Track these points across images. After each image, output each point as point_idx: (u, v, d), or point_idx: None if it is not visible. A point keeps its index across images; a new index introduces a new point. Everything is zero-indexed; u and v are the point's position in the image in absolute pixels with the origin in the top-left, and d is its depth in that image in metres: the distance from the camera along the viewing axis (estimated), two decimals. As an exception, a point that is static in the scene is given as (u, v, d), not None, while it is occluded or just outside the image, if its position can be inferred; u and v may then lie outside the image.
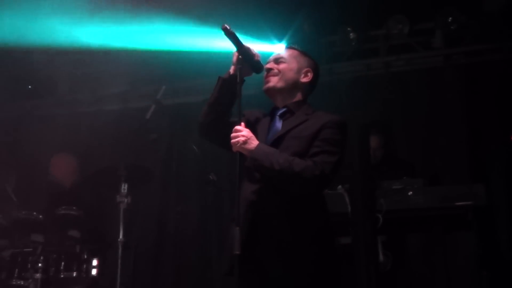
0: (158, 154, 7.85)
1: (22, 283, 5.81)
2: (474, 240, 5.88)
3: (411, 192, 5.71)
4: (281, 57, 3.86)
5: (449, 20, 7.09)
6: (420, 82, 7.37)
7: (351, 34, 7.43)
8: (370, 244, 5.90)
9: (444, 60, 7.38)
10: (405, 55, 7.54)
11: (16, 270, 5.86)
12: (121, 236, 5.69)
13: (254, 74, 3.79)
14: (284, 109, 3.80)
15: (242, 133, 3.53)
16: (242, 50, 3.67)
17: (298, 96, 3.83)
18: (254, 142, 3.53)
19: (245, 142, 3.52)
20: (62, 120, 8.70)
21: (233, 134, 3.55)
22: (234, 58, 3.71)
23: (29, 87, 8.64)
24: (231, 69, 3.73)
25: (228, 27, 3.58)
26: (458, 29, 7.10)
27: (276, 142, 3.63)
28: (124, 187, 5.83)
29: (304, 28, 7.37)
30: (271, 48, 7.30)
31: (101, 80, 8.47)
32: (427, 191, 5.77)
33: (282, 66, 3.82)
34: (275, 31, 7.27)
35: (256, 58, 3.72)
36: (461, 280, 6.31)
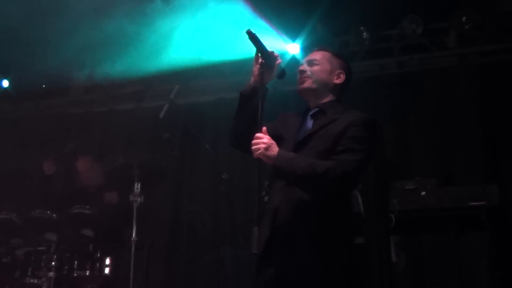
0: (171, 154, 7.85)
1: (35, 281, 5.84)
2: (488, 241, 5.85)
3: (424, 192, 5.69)
4: (314, 59, 3.89)
5: (464, 20, 7.04)
6: (434, 82, 7.34)
7: (364, 34, 7.40)
8: (383, 245, 5.90)
9: (458, 60, 7.35)
10: (419, 55, 7.51)
11: (30, 268, 5.90)
12: (134, 235, 5.70)
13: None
14: (316, 109, 3.85)
15: (262, 140, 3.56)
16: (266, 55, 3.69)
17: (331, 97, 3.87)
18: (275, 149, 3.56)
19: (266, 149, 3.54)
20: (76, 119, 8.74)
21: (254, 141, 3.56)
22: (256, 64, 3.74)
23: (43, 86, 8.67)
24: (251, 81, 3.78)
25: (252, 32, 3.61)
26: (472, 29, 7.06)
27: (305, 141, 3.68)
28: (137, 186, 5.84)
29: (317, 28, 7.36)
30: (285, 47, 7.35)
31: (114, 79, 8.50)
32: (440, 191, 5.76)
33: (315, 68, 3.86)
34: (289, 31, 7.29)
35: (279, 63, 3.74)
36: (475, 281, 6.30)
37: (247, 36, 3.63)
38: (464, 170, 6.80)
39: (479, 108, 7.03)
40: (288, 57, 4.25)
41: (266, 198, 5.94)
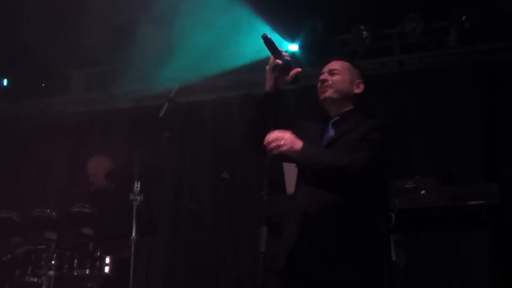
0: (171, 152, 7.86)
1: (35, 280, 5.83)
2: (488, 239, 5.84)
3: (423, 191, 5.69)
4: (335, 69, 3.94)
5: (464, 19, 7.05)
6: (434, 81, 7.34)
7: (364, 32, 7.40)
8: (383, 243, 5.89)
9: (458, 59, 7.35)
10: (419, 53, 7.52)
11: (30, 267, 5.89)
12: (133, 234, 5.70)
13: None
14: (337, 118, 3.90)
15: (285, 137, 3.61)
16: (281, 60, 3.73)
17: (350, 106, 3.93)
18: (299, 143, 3.61)
19: (292, 143, 3.60)
20: (76, 118, 8.73)
21: (274, 138, 3.60)
22: (269, 69, 3.77)
23: (43, 84, 8.66)
24: (267, 87, 3.80)
25: (268, 36, 3.64)
26: (472, 27, 7.06)
27: (329, 146, 3.74)
28: (137, 185, 5.83)
29: (317, 27, 7.36)
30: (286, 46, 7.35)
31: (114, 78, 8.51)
32: (440, 190, 5.75)
33: (336, 78, 3.91)
34: (288, 30, 7.31)
35: (298, 71, 3.77)
36: (475, 279, 6.29)
37: (262, 41, 3.67)
38: (464, 169, 6.81)
39: (480, 107, 7.04)
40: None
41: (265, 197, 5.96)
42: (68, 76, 8.88)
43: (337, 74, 3.90)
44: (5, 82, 8.68)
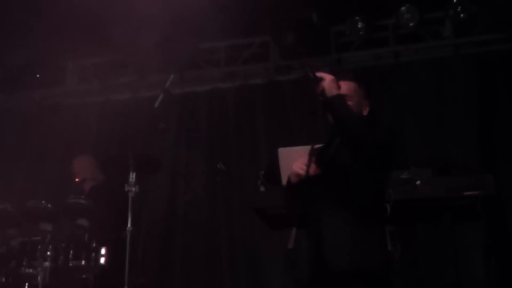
0: (167, 144, 7.85)
1: (31, 271, 5.83)
2: (483, 230, 5.86)
3: (419, 182, 5.69)
4: (345, 95, 3.85)
5: (459, 10, 7.04)
6: (430, 72, 7.34)
7: (359, 23, 7.39)
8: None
9: (454, 50, 7.35)
10: (415, 44, 7.52)
11: (25, 258, 5.89)
12: (129, 225, 5.69)
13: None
14: None
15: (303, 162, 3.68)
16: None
17: None
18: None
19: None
20: (71, 109, 8.70)
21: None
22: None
23: (37, 76, 8.63)
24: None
25: (317, 74, 3.63)
26: (468, 18, 7.06)
27: (336, 154, 3.82)
28: (132, 176, 5.83)
29: (312, 18, 7.34)
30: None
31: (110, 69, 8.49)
32: (435, 181, 5.75)
33: (349, 104, 3.85)
34: (284, 21, 7.30)
35: None
36: (470, 270, 6.31)
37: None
38: (460, 160, 6.81)
39: (475, 98, 7.04)
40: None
41: (261, 188, 5.96)
42: (63, 67, 8.85)
43: (349, 100, 3.83)
44: (-1, 73, 8.65)
